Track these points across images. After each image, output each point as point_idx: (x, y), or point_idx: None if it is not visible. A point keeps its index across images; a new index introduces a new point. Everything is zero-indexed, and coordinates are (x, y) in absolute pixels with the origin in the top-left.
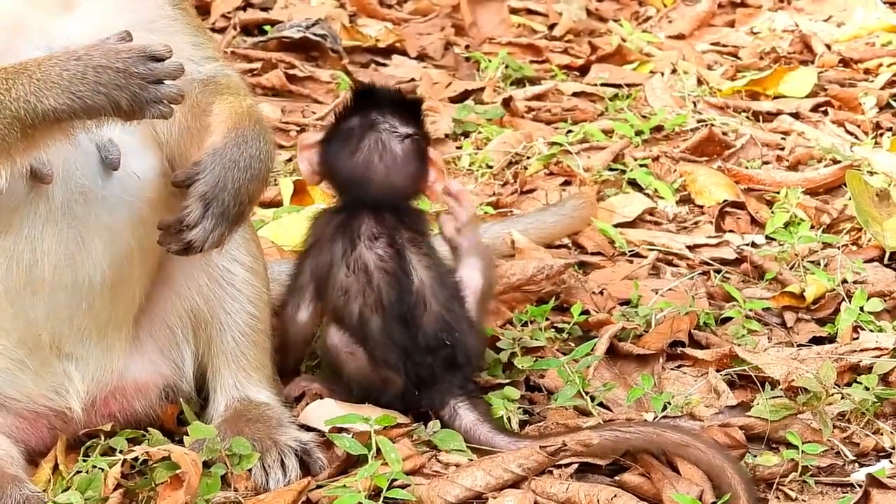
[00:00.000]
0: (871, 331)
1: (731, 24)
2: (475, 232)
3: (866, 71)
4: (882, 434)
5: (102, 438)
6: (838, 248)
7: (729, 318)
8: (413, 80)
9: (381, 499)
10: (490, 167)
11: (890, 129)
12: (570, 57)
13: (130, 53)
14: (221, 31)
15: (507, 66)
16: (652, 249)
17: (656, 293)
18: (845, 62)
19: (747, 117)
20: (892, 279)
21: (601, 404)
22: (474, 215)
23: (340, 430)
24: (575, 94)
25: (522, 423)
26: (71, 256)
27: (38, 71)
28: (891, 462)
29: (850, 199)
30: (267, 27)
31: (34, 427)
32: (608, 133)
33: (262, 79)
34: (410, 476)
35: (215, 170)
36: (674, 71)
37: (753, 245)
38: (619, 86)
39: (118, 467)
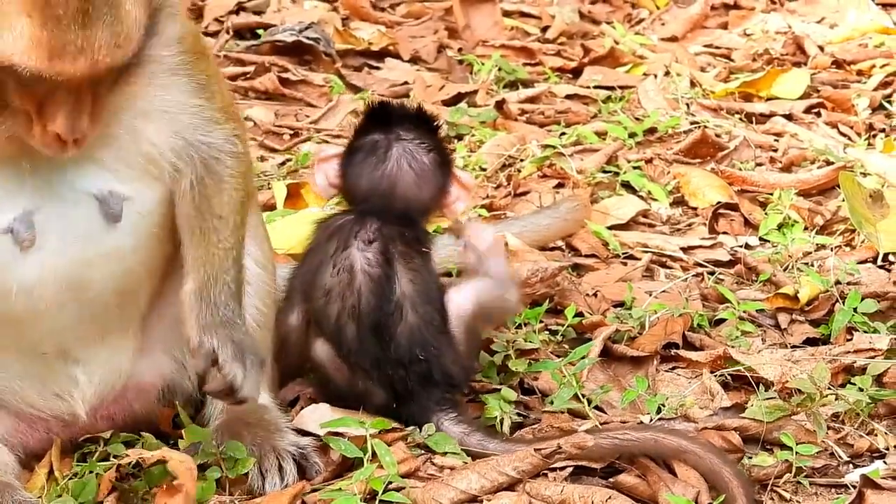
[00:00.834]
0: (865, 332)
1: (724, 26)
2: (495, 263)
3: (859, 72)
4: (876, 435)
5: (101, 444)
6: (832, 249)
7: (723, 320)
8: (406, 83)
9: (377, 502)
10: (483, 170)
11: (883, 131)
12: (563, 59)
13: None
14: (214, 34)
15: (500, 69)
16: (646, 251)
17: (650, 295)
18: (838, 64)
19: (740, 119)
20: (885, 280)
21: (596, 407)
22: (495, 249)
23: (336, 433)
24: (568, 97)
25: (517, 426)
26: (72, 285)
27: None
28: (885, 463)
29: (843, 200)
30: (260, 31)
31: (32, 430)
32: (601, 135)
33: (255, 82)
34: (405, 479)
35: (216, 340)
36: (667, 73)
37: (747, 247)
38: (612, 88)
39: (112, 472)
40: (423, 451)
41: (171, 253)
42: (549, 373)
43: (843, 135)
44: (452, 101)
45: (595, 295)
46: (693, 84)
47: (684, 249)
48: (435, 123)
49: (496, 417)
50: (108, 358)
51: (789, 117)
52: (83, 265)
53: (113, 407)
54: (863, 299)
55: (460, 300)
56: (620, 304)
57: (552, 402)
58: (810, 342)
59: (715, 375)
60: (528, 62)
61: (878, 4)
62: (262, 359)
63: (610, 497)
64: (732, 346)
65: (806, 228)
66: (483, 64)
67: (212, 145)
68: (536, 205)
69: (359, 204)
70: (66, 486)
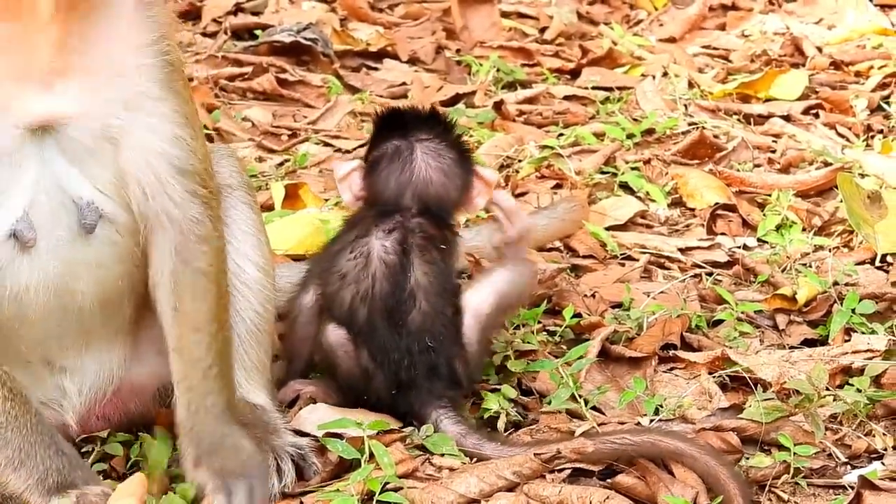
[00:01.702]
0: (863, 333)
1: (722, 28)
2: (519, 252)
3: (857, 73)
4: (874, 436)
5: (98, 444)
6: (830, 250)
7: (721, 321)
8: (404, 83)
9: (374, 502)
10: None
11: (881, 132)
12: (561, 60)
13: None
14: (212, 35)
15: (498, 70)
16: (644, 252)
17: (648, 296)
18: (836, 65)
19: (738, 120)
20: (883, 281)
21: (594, 407)
22: (525, 233)
23: (334, 434)
24: (566, 98)
25: (514, 425)
26: (59, 291)
27: None
28: (883, 464)
29: (841, 201)
30: (258, 31)
31: None
32: (599, 136)
33: (253, 83)
34: (403, 480)
35: (202, 474)
36: (665, 74)
37: (745, 247)
38: (610, 89)
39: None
40: (420, 452)
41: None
42: (546, 373)
43: (842, 136)
44: (450, 102)
45: (593, 296)
46: (691, 85)
47: (682, 250)
48: (450, 122)
49: (493, 410)
50: (96, 367)
51: (787, 118)
52: (69, 272)
53: (108, 407)
54: (861, 300)
55: (478, 302)
56: (618, 305)
57: (550, 403)
58: (808, 343)
59: (713, 376)
60: (526, 63)
61: (876, 6)
62: (251, 478)
63: (608, 498)
64: (730, 347)
65: (804, 229)
66: (481, 65)
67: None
68: (534, 205)
69: (387, 206)
70: None
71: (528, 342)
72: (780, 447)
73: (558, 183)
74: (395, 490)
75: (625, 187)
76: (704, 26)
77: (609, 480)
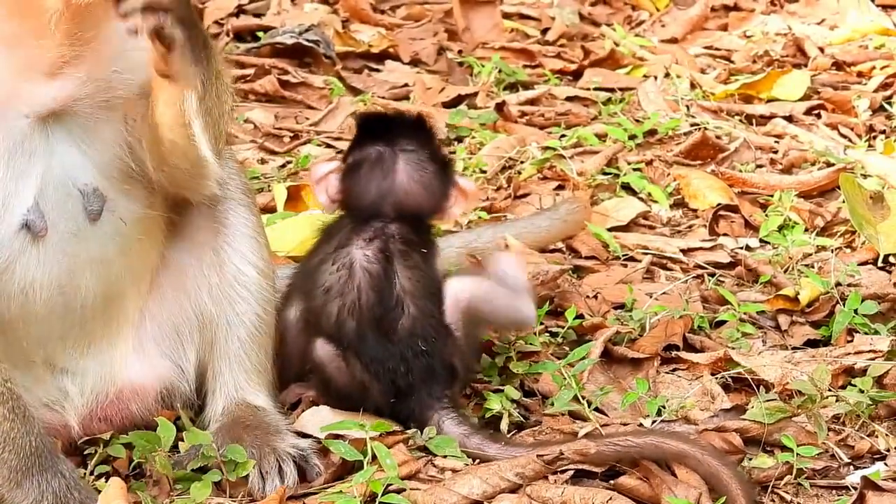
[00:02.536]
0: (866, 333)
1: (724, 28)
2: (513, 270)
3: (859, 74)
4: (877, 436)
5: (101, 446)
6: (832, 250)
7: (723, 322)
8: (406, 85)
9: None
10: (484, 172)
11: (883, 132)
12: (563, 61)
13: None
14: (215, 37)
15: (500, 71)
16: (646, 253)
17: (650, 297)
18: (838, 65)
19: (741, 121)
20: (885, 282)
21: (596, 409)
22: (526, 284)
23: (336, 436)
24: (568, 99)
25: (517, 427)
26: (63, 287)
27: None
28: (885, 464)
29: (843, 202)
30: (260, 33)
31: None
32: (602, 137)
33: (255, 85)
34: (406, 481)
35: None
36: (667, 75)
37: (747, 248)
38: (612, 90)
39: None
40: (423, 454)
41: (158, 264)
42: (549, 374)
43: (844, 136)
44: (452, 104)
45: (595, 297)
46: (693, 86)
47: (685, 251)
48: (432, 130)
49: (495, 411)
50: (97, 369)
51: (789, 119)
52: (74, 266)
53: (110, 409)
54: (863, 301)
55: (457, 288)
56: (621, 306)
57: (552, 404)
58: (811, 344)
59: (715, 377)
60: (529, 64)
61: (878, 6)
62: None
63: (611, 499)
64: (733, 348)
65: (806, 230)
66: (483, 66)
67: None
68: (536, 207)
69: (363, 212)
70: None
71: (531, 343)
72: (783, 448)
73: (560, 184)
74: (398, 492)
75: (627, 188)
76: (706, 27)
77: (612, 482)
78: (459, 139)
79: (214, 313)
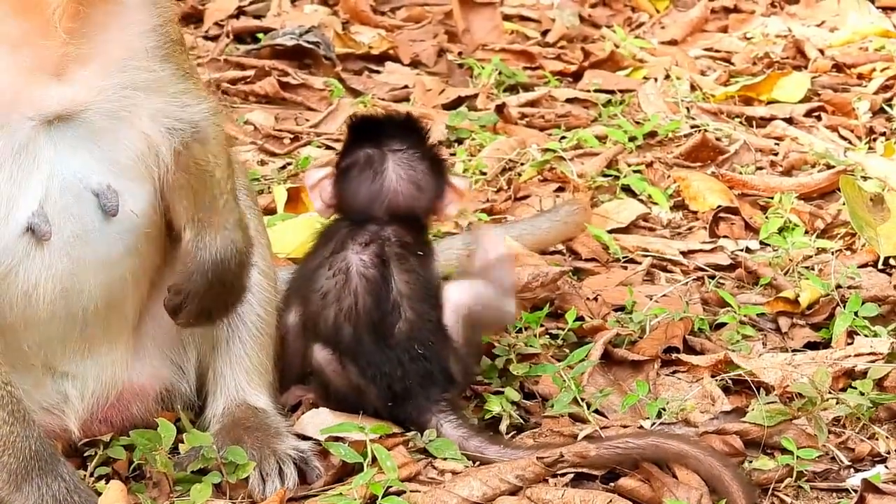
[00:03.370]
0: (866, 336)
1: (724, 30)
2: (500, 272)
3: (860, 76)
4: (877, 439)
5: (101, 447)
6: (832, 253)
7: (723, 324)
8: (406, 87)
9: None
10: (484, 174)
11: (883, 134)
12: (563, 63)
13: None
14: (214, 38)
15: (500, 73)
16: (646, 255)
17: (650, 299)
18: (839, 67)
19: (741, 123)
20: (886, 284)
21: (596, 411)
22: (506, 257)
23: (336, 438)
24: (568, 101)
25: (517, 429)
26: (65, 291)
27: None
28: (886, 467)
29: (843, 204)
30: (260, 35)
31: None
32: (602, 139)
33: (255, 86)
34: (406, 483)
35: (195, 299)
36: (667, 77)
37: (748, 250)
38: (612, 92)
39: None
40: (423, 456)
41: (160, 264)
42: (549, 377)
43: (844, 138)
44: (452, 105)
45: (595, 299)
46: (693, 88)
47: (685, 253)
48: (424, 130)
49: (495, 413)
50: (98, 372)
51: (790, 121)
52: (78, 270)
53: (110, 411)
54: (864, 303)
55: (457, 294)
56: (621, 308)
57: (552, 406)
58: (811, 346)
59: (716, 379)
60: (529, 66)
61: (878, 8)
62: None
63: (611, 501)
64: (733, 350)
65: (806, 232)
66: (483, 68)
67: (195, 118)
68: (537, 208)
69: (358, 215)
70: None
71: (531, 345)
72: (783, 450)
73: (560, 186)
74: (398, 494)
75: (627, 190)
76: (706, 29)
77: (612, 484)
78: (459, 141)
79: None
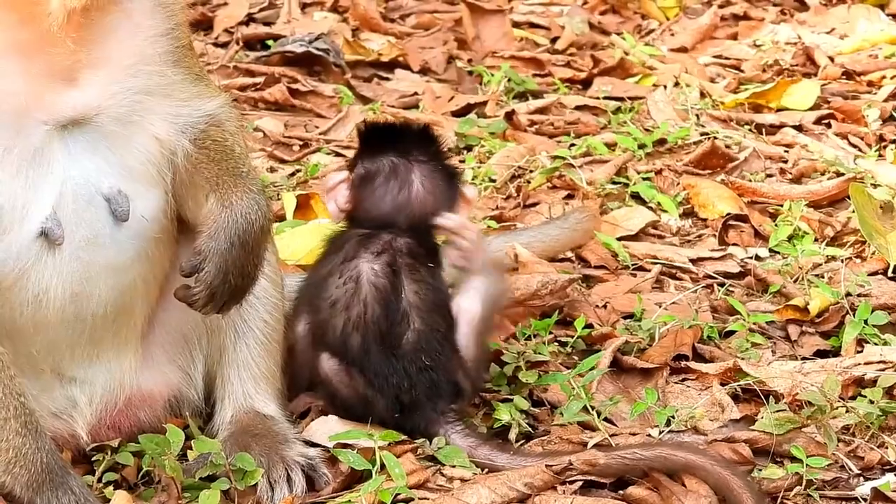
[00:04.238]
0: (876, 344)
1: (734, 37)
2: (481, 257)
3: (869, 83)
4: (887, 447)
5: (109, 453)
6: (842, 260)
7: (733, 332)
8: (416, 94)
9: None
10: (493, 181)
11: (893, 142)
12: (572, 70)
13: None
14: (224, 45)
15: (509, 80)
16: (655, 263)
17: (660, 307)
18: (848, 74)
19: (750, 130)
20: (895, 292)
21: (605, 419)
22: (478, 242)
23: (345, 445)
24: (578, 108)
25: (526, 437)
26: (76, 296)
27: None
28: (895, 476)
29: (853, 211)
30: (270, 42)
31: None
32: (611, 146)
33: (264, 93)
34: (414, 490)
35: (216, 258)
36: (676, 84)
37: (757, 258)
38: (621, 99)
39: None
40: (431, 463)
41: (169, 270)
42: (558, 384)
43: (854, 146)
44: (462, 112)
45: (605, 306)
46: (703, 95)
47: (694, 261)
48: (440, 139)
49: (504, 421)
50: (106, 377)
51: (799, 128)
52: (89, 275)
53: (118, 417)
54: (873, 311)
55: (468, 306)
56: (630, 316)
57: (561, 414)
58: (820, 354)
59: (725, 388)
60: (538, 73)
61: (888, 15)
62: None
63: None
64: (742, 358)
65: (816, 240)
66: (493, 75)
67: (210, 112)
68: (546, 216)
69: (374, 223)
70: None
71: (540, 353)
72: (793, 459)
73: (570, 193)
74: (406, 501)
75: (636, 198)
76: (716, 36)
77: (621, 492)
78: (469, 148)
79: (223, 320)
